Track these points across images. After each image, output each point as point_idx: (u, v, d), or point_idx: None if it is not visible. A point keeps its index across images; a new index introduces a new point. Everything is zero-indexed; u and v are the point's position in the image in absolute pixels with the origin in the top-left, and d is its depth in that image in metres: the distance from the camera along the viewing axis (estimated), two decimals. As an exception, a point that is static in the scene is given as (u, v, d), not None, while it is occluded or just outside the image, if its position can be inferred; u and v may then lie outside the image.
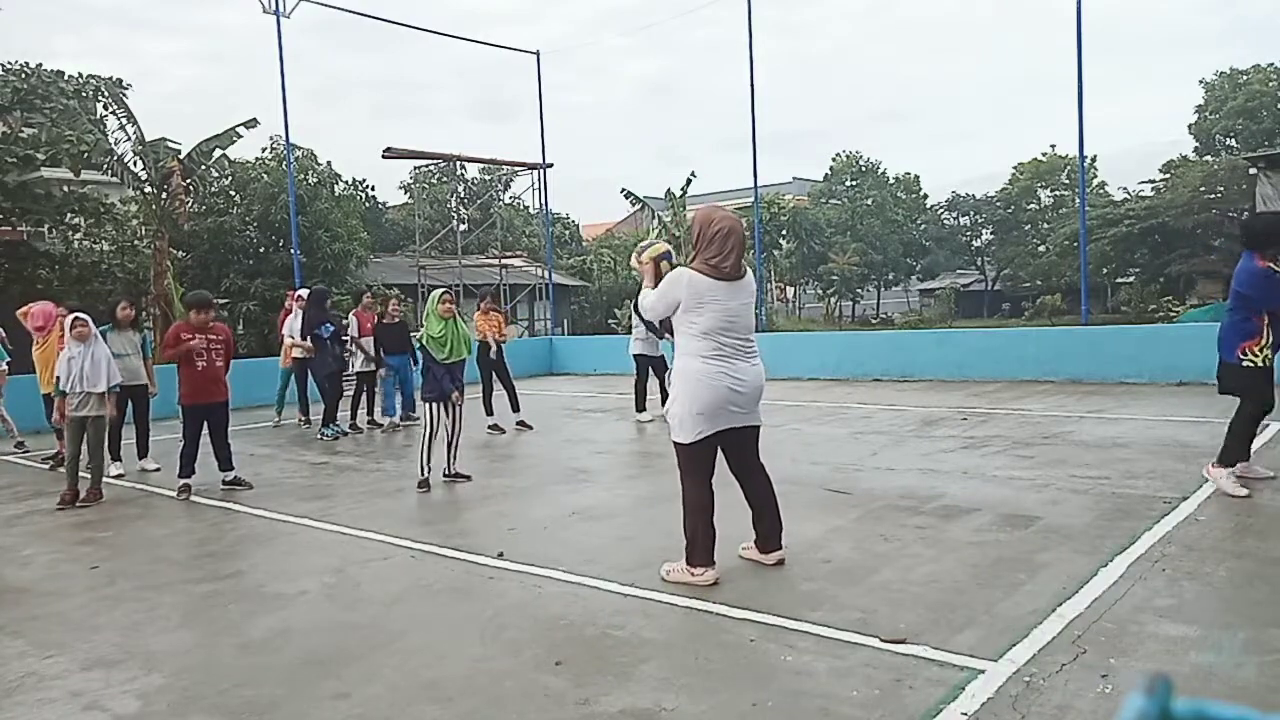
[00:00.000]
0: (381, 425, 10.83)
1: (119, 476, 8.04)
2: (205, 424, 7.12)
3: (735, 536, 4.55)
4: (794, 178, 56.43)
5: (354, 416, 10.79)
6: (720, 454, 4.39)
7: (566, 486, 6.86)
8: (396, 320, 10.69)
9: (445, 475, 7.14)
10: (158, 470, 8.19)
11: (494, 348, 10.24)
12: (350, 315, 11.31)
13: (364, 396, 11.07)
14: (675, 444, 4.33)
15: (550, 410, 12.06)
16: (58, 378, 6.86)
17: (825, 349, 15.17)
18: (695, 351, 4.23)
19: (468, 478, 7.18)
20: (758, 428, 4.45)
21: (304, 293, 11.15)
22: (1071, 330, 14.11)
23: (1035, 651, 3.27)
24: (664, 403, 11.12)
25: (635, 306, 10.84)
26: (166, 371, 12.32)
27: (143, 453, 8.37)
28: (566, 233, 43.90)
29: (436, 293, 7.32)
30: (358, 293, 12.92)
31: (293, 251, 17.39)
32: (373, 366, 10.94)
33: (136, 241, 20.94)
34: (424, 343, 7.12)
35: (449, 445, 7.14)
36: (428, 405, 7.08)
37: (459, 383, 7.27)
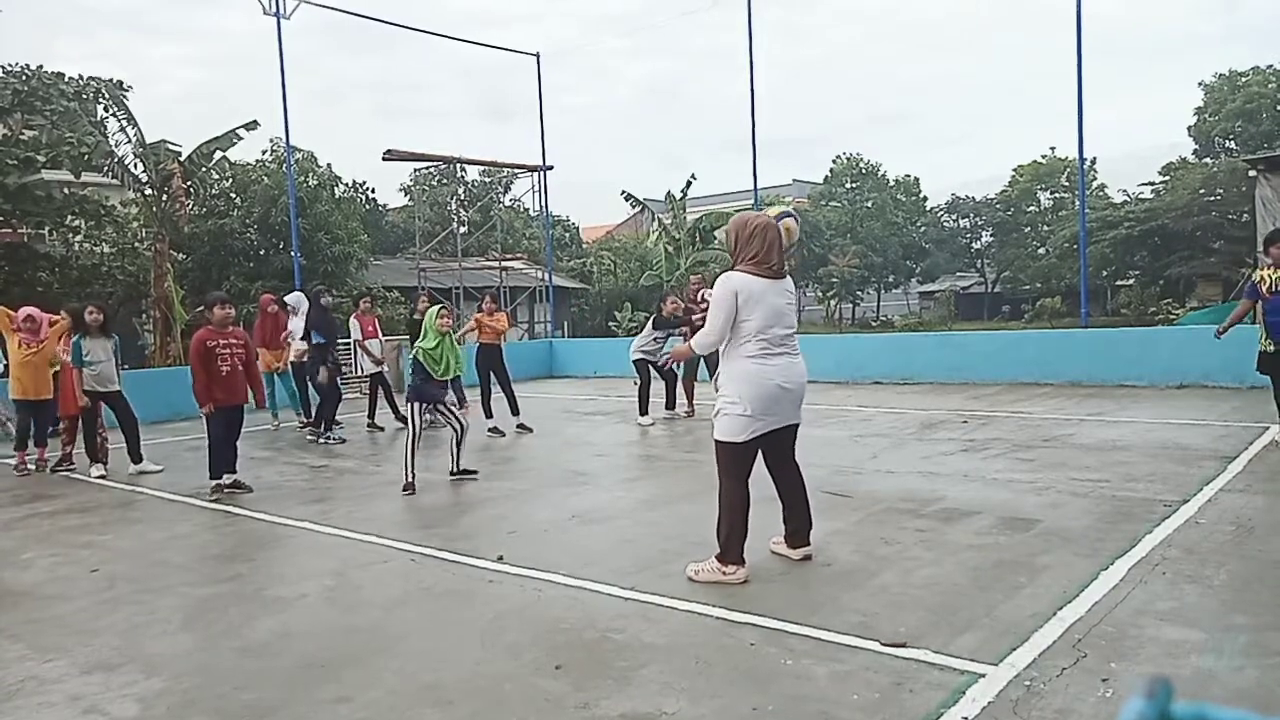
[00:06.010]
0: (382, 428, 10.85)
1: (102, 478, 8.06)
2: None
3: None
4: (794, 180, 56.44)
5: (370, 416, 11.08)
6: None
7: (566, 489, 6.86)
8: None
9: (452, 474, 7.25)
10: (160, 471, 8.18)
11: (500, 350, 10.32)
12: (351, 319, 11.33)
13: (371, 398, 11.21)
14: (721, 443, 4.35)
15: (550, 413, 12.06)
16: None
17: (825, 351, 15.15)
18: (745, 353, 4.29)
19: (474, 473, 7.30)
20: (798, 425, 4.58)
21: (291, 298, 11.24)
22: (1071, 333, 14.11)
23: (1036, 655, 3.27)
24: (667, 405, 11.25)
25: (650, 324, 10.92)
26: (166, 375, 12.36)
27: (137, 457, 8.28)
28: (567, 235, 43.87)
29: (435, 308, 7.34)
30: (357, 296, 12.97)
31: (293, 254, 17.38)
32: (380, 369, 11.06)
33: (137, 244, 20.97)
34: (418, 357, 7.09)
35: (456, 445, 7.24)
36: (410, 407, 7.13)
37: (460, 394, 7.42)
